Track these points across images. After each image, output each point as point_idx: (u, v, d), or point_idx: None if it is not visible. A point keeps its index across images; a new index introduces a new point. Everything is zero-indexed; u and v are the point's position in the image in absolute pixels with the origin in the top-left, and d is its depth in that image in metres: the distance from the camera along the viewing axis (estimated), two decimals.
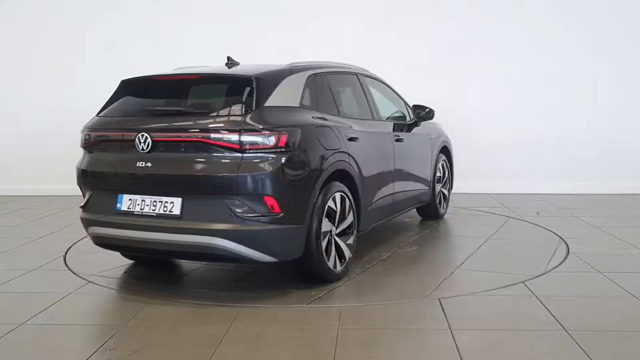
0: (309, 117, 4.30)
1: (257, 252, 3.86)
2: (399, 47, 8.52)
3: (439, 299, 3.96)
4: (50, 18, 8.76)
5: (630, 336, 3.36)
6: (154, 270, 4.83)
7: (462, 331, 3.42)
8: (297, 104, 4.27)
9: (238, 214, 3.78)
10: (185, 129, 3.93)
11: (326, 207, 4.14)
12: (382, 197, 5.11)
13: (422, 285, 4.32)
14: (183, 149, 3.94)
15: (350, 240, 4.48)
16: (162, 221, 3.91)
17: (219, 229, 3.78)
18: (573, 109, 8.49)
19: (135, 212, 4.00)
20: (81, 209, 4.36)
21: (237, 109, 3.94)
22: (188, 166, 3.88)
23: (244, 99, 4.00)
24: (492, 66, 8.54)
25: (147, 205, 3.97)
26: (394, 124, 5.62)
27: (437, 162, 6.41)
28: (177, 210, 3.89)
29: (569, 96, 8.51)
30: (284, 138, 3.88)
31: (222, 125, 3.86)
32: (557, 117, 8.50)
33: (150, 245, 4.04)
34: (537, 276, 4.46)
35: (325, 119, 4.44)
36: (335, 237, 4.31)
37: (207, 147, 3.84)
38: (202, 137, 3.84)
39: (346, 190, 4.42)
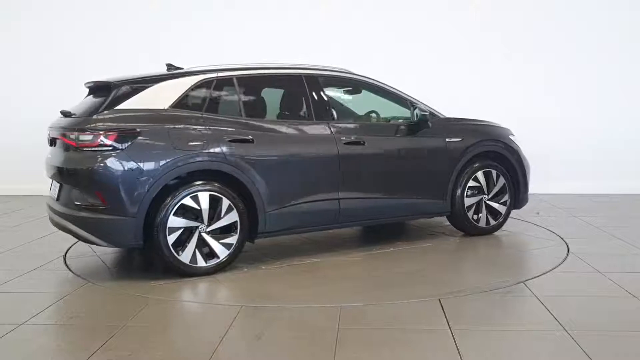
0: (174, 118, 4.53)
1: (95, 237, 4.41)
2: (401, 47, 8.54)
3: (439, 299, 3.96)
4: (51, 18, 8.76)
5: (630, 336, 3.36)
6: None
7: (462, 331, 3.42)
8: (166, 107, 4.57)
9: (76, 203, 4.42)
10: (57, 128, 4.69)
11: (178, 204, 4.41)
12: (310, 203, 4.91)
13: (256, 293, 4.18)
14: (58, 145, 4.71)
15: (231, 240, 4.61)
16: (53, 203, 4.80)
17: (67, 214, 4.51)
18: (573, 109, 8.48)
19: (51, 195, 4.90)
20: None
21: (90, 111, 4.52)
22: (58, 159, 4.64)
23: (100, 103, 4.55)
24: (491, 67, 8.53)
25: (53, 189, 4.85)
26: (370, 126, 5.46)
27: (464, 170, 5.62)
28: (56, 195, 4.73)
29: (569, 96, 8.50)
30: (111, 137, 4.33)
31: (69, 125, 4.54)
32: (556, 117, 8.48)
33: (54, 224, 4.85)
34: (537, 276, 4.46)
35: (201, 120, 4.59)
36: (204, 235, 4.52)
37: (63, 144, 4.57)
38: (61, 135, 4.60)
39: (227, 189, 4.57)
